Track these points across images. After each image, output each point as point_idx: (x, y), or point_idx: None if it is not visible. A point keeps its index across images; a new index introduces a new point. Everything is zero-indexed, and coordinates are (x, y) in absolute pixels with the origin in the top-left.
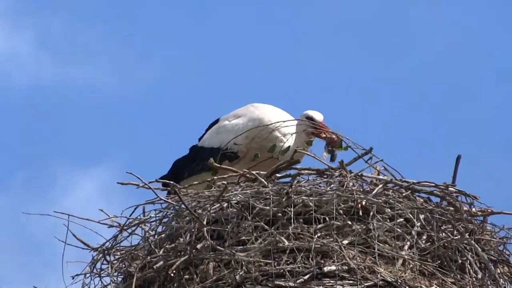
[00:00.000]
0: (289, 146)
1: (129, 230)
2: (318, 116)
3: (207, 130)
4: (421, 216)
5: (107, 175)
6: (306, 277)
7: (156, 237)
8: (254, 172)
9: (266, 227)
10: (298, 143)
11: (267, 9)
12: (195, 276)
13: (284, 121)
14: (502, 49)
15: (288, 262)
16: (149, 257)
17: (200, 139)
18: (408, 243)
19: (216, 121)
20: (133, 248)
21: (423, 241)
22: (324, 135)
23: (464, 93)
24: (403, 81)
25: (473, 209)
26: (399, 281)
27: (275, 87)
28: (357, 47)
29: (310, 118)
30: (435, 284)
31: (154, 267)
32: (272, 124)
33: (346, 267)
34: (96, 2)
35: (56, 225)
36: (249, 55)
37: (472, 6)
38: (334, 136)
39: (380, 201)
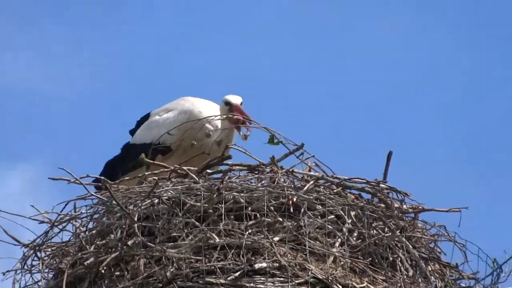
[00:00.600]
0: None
1: (60, 226)
2: (235, 99)
3: (137, 125)
4: (352, 213)
5: (34, 170)
6: (237, 274)
7: (87, 233)
8: (185, 168)
9: (197, 223)
10: (225, 131)
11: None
12: (126, 272)
13: (216, 116)
14: (429, 47)
15: (219, 259)
16: (80, 254)
17: (131, 133)
18: (339, 240)
19: (147, 116)
20: (64, 244)
21: (354, 238)
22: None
23: (396, 90)
24: (336, 78)
25: (404, 206)
26: (330, 278)
27: (207, 81)
28: (294, 44)
29: (227, 103)
30: (366, 281)
31: (85, 263)
32: (206, 117)
33: (277, 264)
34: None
35: None
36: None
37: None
38: (240, 118)
39: (311, 197)
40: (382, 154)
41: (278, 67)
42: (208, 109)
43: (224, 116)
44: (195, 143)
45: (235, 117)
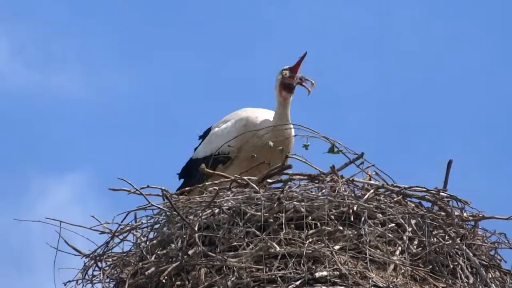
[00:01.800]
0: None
1: (121, 236)
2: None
3: (201, 140)
4: (413, 221)
5: (82, 181)
6: (297, 282)
7: (147, 243)
8: (245, 178)
9: (257, 232)
10: (277, 112)
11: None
12: (186, 282)
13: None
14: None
15: (280, 268)
16: (140, 263)
17: (195, 149)
18: (400, 248)
19: (208, 130)
20: (124, 254)
21: (415, 246)
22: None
23: (457, 97)
24: (394, 86)
25: (465, 214)
26: (391, 286)
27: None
28: (341, 52)
29: (286, 69)
30: None
31: (146, 273)
32: (262, 127)
33: (338, 273)
34: (71, 12)
35: (32, 232)
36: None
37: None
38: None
39: (372, 206)
40: (443, 162)
41: (337, 77)
42: (265, 116)
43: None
44: (256, 155)
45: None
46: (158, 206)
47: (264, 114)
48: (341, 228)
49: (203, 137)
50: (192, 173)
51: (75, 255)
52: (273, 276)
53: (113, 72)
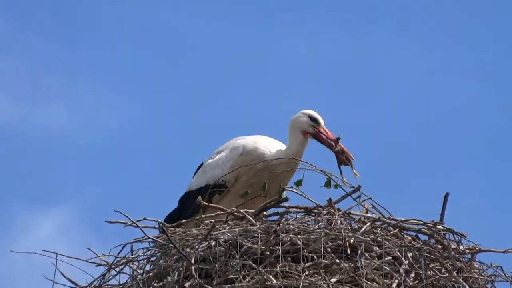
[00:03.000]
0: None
1: (117, 269)
2: (321, 119)
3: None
4: (409, 254)
5: (67, 214)
6: None
7: (144, 275)
8: (242, 210)
9: (254, 265)
10: (294, 145)
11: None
12: None
13: (275, 159)
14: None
15: None
16: None
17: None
18: (396, 281)
19: (201, 166)
20: (121, 286)
21: (411, 279)
22: (330, 143)
23: (446, 131)
24: (386, 117)
25: (461, 247)
26: None
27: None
28: (331, 89)
29: (313, 119)
30: None
31: None
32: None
33: None
34: (58, 48)
35: (16, 265)
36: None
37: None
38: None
39: (368, 239)
40: (438, 195)
41: (327, 108)
42: (263, 142)
43: (301, 128)
44: (249, 191)
45: (339, 147)
46: (154, 238)
47: (262, 141)
48: (337, 261)
49: (196, 171)
50: (186, 206)
51: (71, 287)
52: None
53: (100, 107)
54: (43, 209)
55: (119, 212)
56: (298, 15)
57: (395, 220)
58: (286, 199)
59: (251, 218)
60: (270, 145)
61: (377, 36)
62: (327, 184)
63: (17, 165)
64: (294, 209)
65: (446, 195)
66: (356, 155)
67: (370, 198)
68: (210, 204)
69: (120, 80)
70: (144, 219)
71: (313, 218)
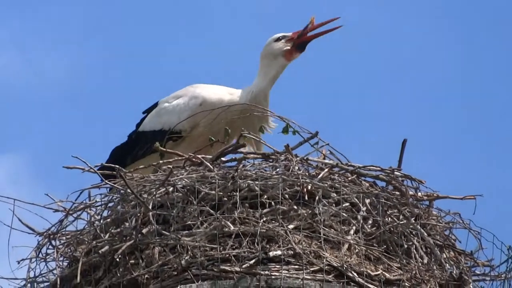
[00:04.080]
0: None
1: (75, 215)
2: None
3: (145, 115)
4: (367, 201)
5: (17, 162)
6: (251, 261)
7: (101, 221)
8: (199, 156)
9: (211, 211)
10: (264, 79)
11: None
12: (140, 261)
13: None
14: None
15: (234, 247)
16: (94, 242)
17: (138, 125)
18: (354, 227)
19: (155, 105)
20: (78, 232)
21: (369, 226)
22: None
23: (414, 74)
24: (348, 67)
25: (419, 194)
26: (345, 266)
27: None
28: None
29: (280, 38)
30: (381, 269)
31: (100, 251)
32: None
33: (292, 252)
34: None
35: None
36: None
37: None
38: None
39: (326, 185)
40: (397, 142)
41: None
42: (220, 93)
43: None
44: (214, 139)
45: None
46: (112, 184)
47: (219, 92)
48: (295, 207)
49: (148, 111)
50: (137, 145)
51: (29, 233)
52: (227, 255)
53: (49, 55)
54: None
55: (76, 157)
56: None
57: (353, 166)
58: (243, 145)
59: (208, 164)
60: (229, 92)
61: None
62: (285, 130)
63: None
64: (251, 155)
65: (404, 142)
66: (313, 101)
67: (328, 144)
68: (168, 150)
69: (68, 29)
70: (102, 164)
71: (271, 164)
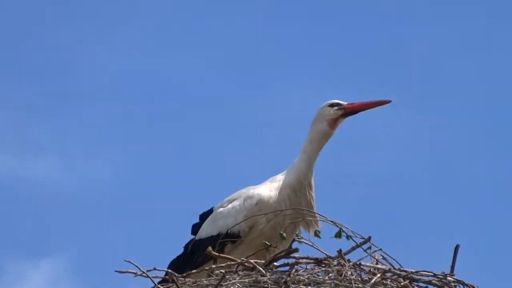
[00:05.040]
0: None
1: None
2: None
3: (201, 221)
4: None
5: (57, 266)
6: None
7: None
8: (252, 261)
9: None
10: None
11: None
12: None
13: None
14: None
15: None
16: None
17: (195, 233)
18: None
19: (210, 211)
20: None
21: None
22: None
23: (456, 181)
24: (396, 167)
25: None
26: None
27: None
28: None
29: (334, 104)
30: None
31: None
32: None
33: None
34: (46, 97)
35: None
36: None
37: None
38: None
39: None
40: (450, 246)
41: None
42: (276, 193)
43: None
44: (268, 243)
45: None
46: None
47: (272, 188)
48: None
49: (203, 218)
50: (195, 255)
51: None
52: None
53: (90, 158)
54: (33, 260)
55: (129, 261)
56: None
57: (406, 271)
58: (296, 250)
59: (261, 269)
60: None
61: None
62: (338, 235)
63: (7, 217)
64: (304, 260)
65: (457, 247)
66: (365, 206)
67: (381, 249)
68: (220, 254)
69: (110, 132)
70: (154, 269)
71: (323, 269)
